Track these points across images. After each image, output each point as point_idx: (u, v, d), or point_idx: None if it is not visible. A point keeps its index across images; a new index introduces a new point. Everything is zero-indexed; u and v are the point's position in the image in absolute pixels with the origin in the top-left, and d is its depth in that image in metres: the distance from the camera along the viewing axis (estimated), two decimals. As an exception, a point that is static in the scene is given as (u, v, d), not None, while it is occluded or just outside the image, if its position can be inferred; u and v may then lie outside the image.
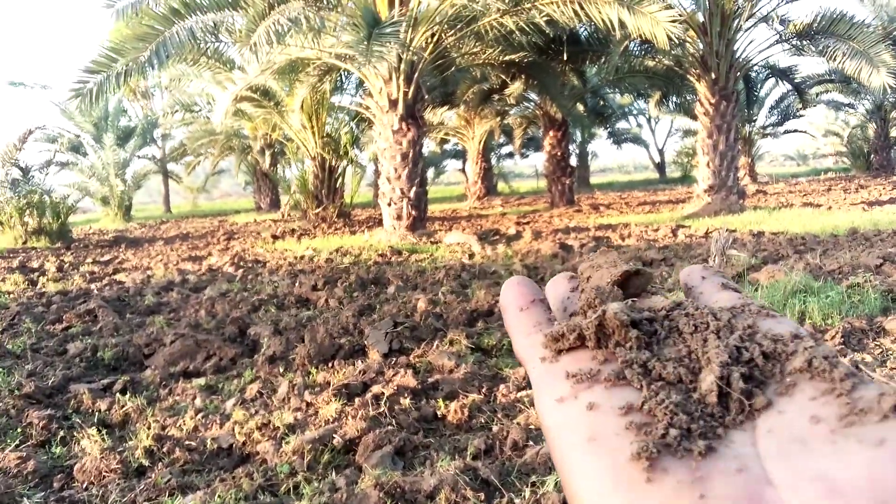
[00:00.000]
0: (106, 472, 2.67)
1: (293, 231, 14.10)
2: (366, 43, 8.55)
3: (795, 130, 35.05)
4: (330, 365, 3.90)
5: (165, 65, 10.61)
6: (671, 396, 0.31)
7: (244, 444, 2.89)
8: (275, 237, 12.92)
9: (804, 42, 13.03)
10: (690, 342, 0.35)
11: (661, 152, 40.14)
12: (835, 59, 12.40)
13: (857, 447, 0.26)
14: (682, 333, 0.36)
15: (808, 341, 0.33)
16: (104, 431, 3.10)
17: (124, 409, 3.38)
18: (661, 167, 39.57)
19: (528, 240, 10.07)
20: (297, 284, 6.81)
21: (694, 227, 10.49)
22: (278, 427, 2.97)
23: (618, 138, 36.17)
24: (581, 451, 0.30)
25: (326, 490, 2.39)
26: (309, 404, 3.28)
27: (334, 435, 2.80)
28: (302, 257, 9.34)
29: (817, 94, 28.13)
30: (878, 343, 3.96)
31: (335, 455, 2.73)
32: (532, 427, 2.89)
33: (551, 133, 18.84)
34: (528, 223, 13.53)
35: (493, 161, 33.43)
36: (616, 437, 0.30)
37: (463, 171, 33.18)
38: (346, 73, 15.24)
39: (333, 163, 16.55)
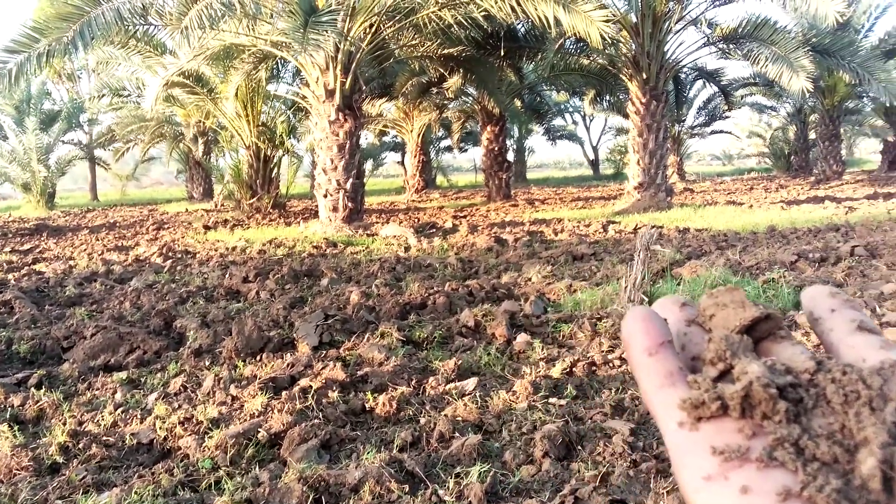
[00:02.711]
0: (17, 469, 2.57)
1: (226, 222, 13.79)
2: (302, 31, 8.42)
3: (722, 131, 36.42)
4: (258, 358, 3.84)
5: (91, 46, 10.16)
6: (831, 482, 0.29)
7: (165, 439, 2.83)
8: (207, 227, 12.60)
9: (730, 45, 13.55)
10: (841, 415, 0.33)
11: (595, 149, 41.01)
12: (758, 63, 12.94)
13: None
14: (831, 403, 0.33)
15: None
16: (16, 428, 2.97)
17: (39, 404, 3.25)
18: (595, 164, 40.44)
19: (464, 233, 10.15)
20: (227, 276, 6.68)
21: (624, 223, 10.79)
22: (202, 421, 2.92)
23: (553, 135, 36.74)
24: None
25: (249, 485, 2.37)
26: (234, 398, 3.23)
27: (259, 429, 2.77)
28: (234, 248, 9.15)
29: (742, 97, 29.31)
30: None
31: (259, 449, 2.71)
32: (459, 419, 2.93)
33: (489, 128, 19.00)
34: (465, 217, 13.63)
35: (432, 154, 33.47)
36: None
37: (402, 163, 33.11)
38: (282, 62, 14.96)
39: (269, 152, 16.25)
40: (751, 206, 13.50)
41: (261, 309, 5.13)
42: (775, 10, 21.68)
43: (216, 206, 19.11)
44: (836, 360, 0.36)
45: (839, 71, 14.61)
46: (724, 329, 0.38)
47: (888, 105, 23.91)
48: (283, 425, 2.78)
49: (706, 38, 13.87)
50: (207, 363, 3.83)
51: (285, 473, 2.41)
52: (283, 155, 16.83)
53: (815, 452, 0.31)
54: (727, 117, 32.50)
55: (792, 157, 30.67)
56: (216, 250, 9.01)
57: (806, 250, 6.77)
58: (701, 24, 13.84)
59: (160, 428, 2.88)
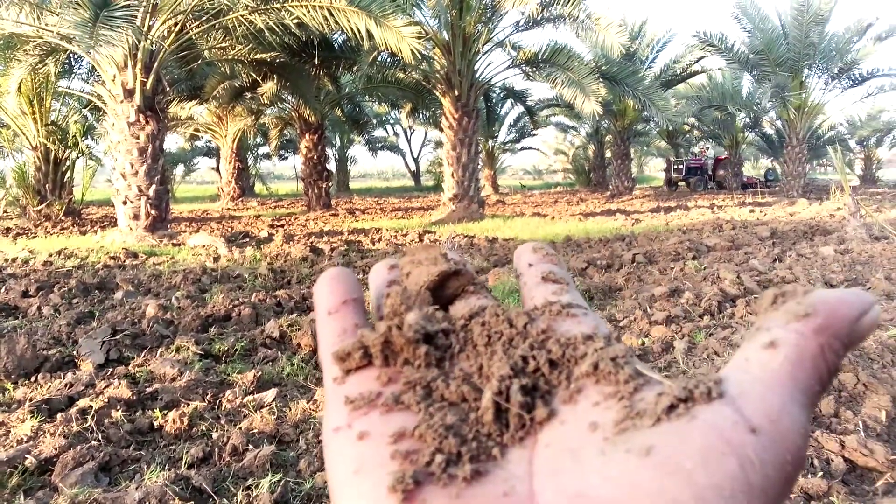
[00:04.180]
0: None
1: (8, 230, 12.31)
2: (91, 25, 7.77)
3: (530, 148, 39.02)
4: (33, 379, 3.49)
5: None
6: (446, 419, 0.29)
7: None
8: (-19, 237, 11.17)
9: (533, 69, 14.57)
10: (483, 356, 0.33)
11: (416, 161, 42.01)
12: (557, 86, 14.05)
13: (624, 457, 0.25)
14: (476, 345, 0.33)
15: (599, 342, 0.32)
16: None
17: None
18: (416, 175, 41.41)
19: (279, 243, 9.91)
20: (3, 290, 5.98)
21: (439, 233, 11.16)
22: (-44, 453, 2.60)
23: (374, 146, 37.12)
24: (346, 486, 0.27)
25: (10, 517, 2.16)
26: (0, 423, 2.91)
27: (27, 455, 2.53)
28: (14, 260, 8.20)
29: (547, 117, 31.62)
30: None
31: (27, 478, 2.47)
32: (255, 431, 2.88)
33: (307, 136, 18.76)
34: (282, 226, 13.32)
35: (250, 161, 32.34)
36: (380, 469, 0.27)
37: (217, 169, 31.62)
38: (76, 56, 13.70)
39: (60, 154, 14.75)
40: (553, 217, 14.58)
41: (41, 326, 4.65)
42: (572, 38, 23.63)
43: (-4, 213, 16.99)
44: (495, 306, 0.36)
45: (626, 97, 16.27)
46: (416, 285, 0.38)
47: (669, 129, 27.08)
48: (56, 449, 2.56)
49: (511, 61, 14.79)
50: (-31, 388, 3.41)
51: (55, 500, 2.22)
52: (78, 157, 15.35)
53: (443, 393, 0.31)
54: (535, 135, 34.87)
55: (591, 174, 33.57)
56: (-9, 262, 8.02)
57: (595, 258, 7.45)
58: (507, 47, 14.74)
59: None
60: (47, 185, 14.59)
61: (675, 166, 29.90)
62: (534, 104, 25.07)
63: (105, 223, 14.03)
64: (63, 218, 14.38)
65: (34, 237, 11.40)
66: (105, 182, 28.85)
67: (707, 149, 30.94)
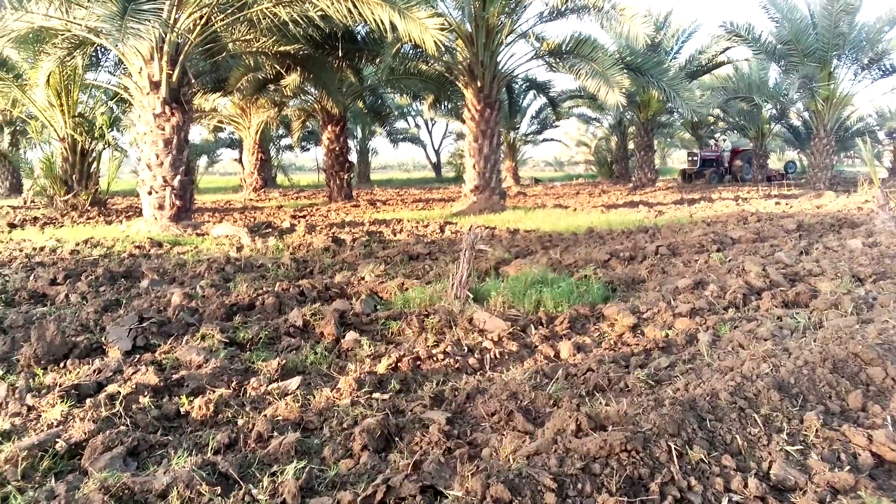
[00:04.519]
0: None
1: (36, 220, 12.52)
2: (120, 18, 7.85)
3: (552, 139, 38.80)
4: (62, 365, 3.56)
5: None
6: None
7: (-56, 457, 2.55)
8: (11, 225, 11.37)
9: (556, 60, 14.46)
10: None
11: (437, 152, 41.98)
12: (580, 77, 13.93)
13: None
14: None
15: None
16: None
17: None
18: (437, 167, 41.36)
19: (301, 233, 9.98)
20: (32, 278, 6.09)
21: (460, 224, 11.16)
22: (-10, 436, 2.66)
23: (395, 137, 37.12)
24: None
25: (43, 498, 2.20)
26: (31, 408, 2.97)
27: (57, 439, 2.58)
28: (42, 248, 8.35)
29: (570, 108, 31.41)
30: (597, 327, 4.55)
31: (57, 461, 2.52)
32: (279, 418, 2.90)
33: (329, 128, 18.83)
34: (304, 217, 13.40)
35: (272, 152, 32.53)
36: None
37: (239, 161, 31.84)
38: (103, 49, 13.85)
39: (87, 145, 14.96)
40: (575, 209, 14.50)
41: (69, 313, 4.74)
42: (596, 28, 23.38)
43: (25, 202, 17.25)
44: None
45: (651, 88, 16.09)
46: None
47: (693, 121, 26.74)
48: (85, 434, 2.61)
49: (535, 52, 14.69)
50: (1, 373, 3.49)
51: (85, 484, 2.26)
52: (104, 148, 15.55)
53: None
54: (557, 126, 34.63)
55: (614, 165, 33.30)
56: (21, 250, 8.17)
57: (618, 250, 7.39)
58: (530, 38, 14.64)
59: (-63, 446, 2.59)
60: (74, 176, 14.81)
61: (690, 158, 29.44)
62: (556, 95, 24.89)
63: (130, 213, 14.22)
64: (89, 208, 14.59)
65: (61, 226, 11.59)
66: (129, 173, 29.16)
67: (723, 140, 30.45)
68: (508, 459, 2.41)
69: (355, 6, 9.54)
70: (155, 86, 10.49)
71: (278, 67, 15.12)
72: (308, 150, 38.39)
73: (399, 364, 3.63)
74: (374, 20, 9.66)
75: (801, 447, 2.49)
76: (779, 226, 9.28)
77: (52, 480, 2.37)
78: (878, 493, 2.22)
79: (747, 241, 7.98)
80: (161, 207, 10.69)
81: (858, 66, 19.69)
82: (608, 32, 15.63)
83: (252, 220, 12.78)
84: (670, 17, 23.58)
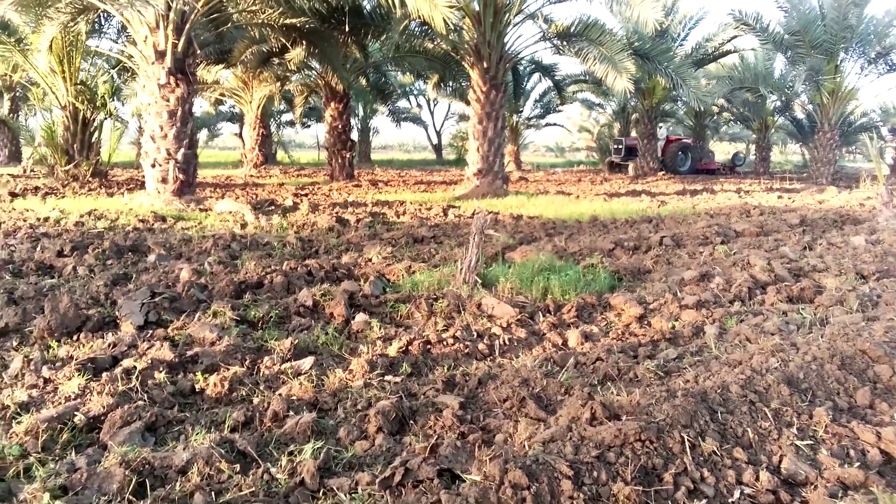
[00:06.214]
0: None
1: (37, 189, 12.46)
2: (129, -14, 7.77)
3: (555, 124, 38.58)
4: (75, 338, 3.57)
5: None
6: None
7: (-37, 427, 2.57)
8: (13, 195, 11.32)
9: (564, 43, 14.35)
10: None
11: (438, 134, 41.76)
12: (587, 62, 13.84)
13: None
14: None
15: None
16: None
17: None
18: (438, 148, 41.17)
19: (304, 212, 9.97)
20: (38, 249, 6.09)
21: (463, 208, 11.15)
22: (8, 406, 2.68)
23: (398, 117, 36.91)
24: None
25: (64, 471, 2.22)
26: (47, 380, 3.00)
27: (76, 412, 2.60)
28: (46, 219, 8.33)
29: (574, 93, 31.18)
30: (604, 316, 4.58)
31: (76, 434, 2.54)
32: (294, 398, 2.93)
33: (332, 105, 18.71)
34: (306, 195, 13.37)
35: (273, 128, 32.33)
36: None
37: (240, 135, 31.66)
38: (106, 15, 13.71)
39: (88, 115, 14.85)
40: (577, 196, 14.49)
41: (78, 285, 4.74)
42: (604, 12, 23.18)
43: (25, 171, 17.16)
44: None
45: (657, 75, 16.00)
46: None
47: (697, 110, 26.58)
48: (104, 408, 2.63)
49: (542, 34, 14.57)
50: (15, 343, 3.50)
51: (105, 458, 2.29)
52: (106, 118, 15.44)
53: None
54: (560, 111, 34.47)
55: (615, 152, 33.05)
56: (25, 220, 8.15)
57: (622, 239, 7.41)
58: (538, 19, 14.51)
59: (-44, 415, 2.61)
60: (75, 146, 14.72)
61: (615, 146, 27.49)
62: (561, 79, 24.72)
63: (132, 185, 14.16)
64: (90, 179, 14.52)
65: (62, 197, 11.55)
66: (128, 144, 29.02)
67: (659, 128, 28.79)
68: (524, 446, 2.44)
69: (365, -18, 9.44)
70: (160, 55, 10.40)
71: (283, 40, 14.97)
72: (308, 126, 38.17)
73: (409, 347, 3.65)
74: (384, -4, 9.57)
75: (811, 442, 2.53)
76: (782, 220, 9.30)
77: (73, 454, 2.39)
78: (888, 490, 2.26)
79: (751, 235, 8.01)
80: (164, 181, 10.65)
81: (865, 60, 19.64)
82: (616, 17, 15.51)
83: (254, 196, 12.74)
84: (678, 3, 23.39)
